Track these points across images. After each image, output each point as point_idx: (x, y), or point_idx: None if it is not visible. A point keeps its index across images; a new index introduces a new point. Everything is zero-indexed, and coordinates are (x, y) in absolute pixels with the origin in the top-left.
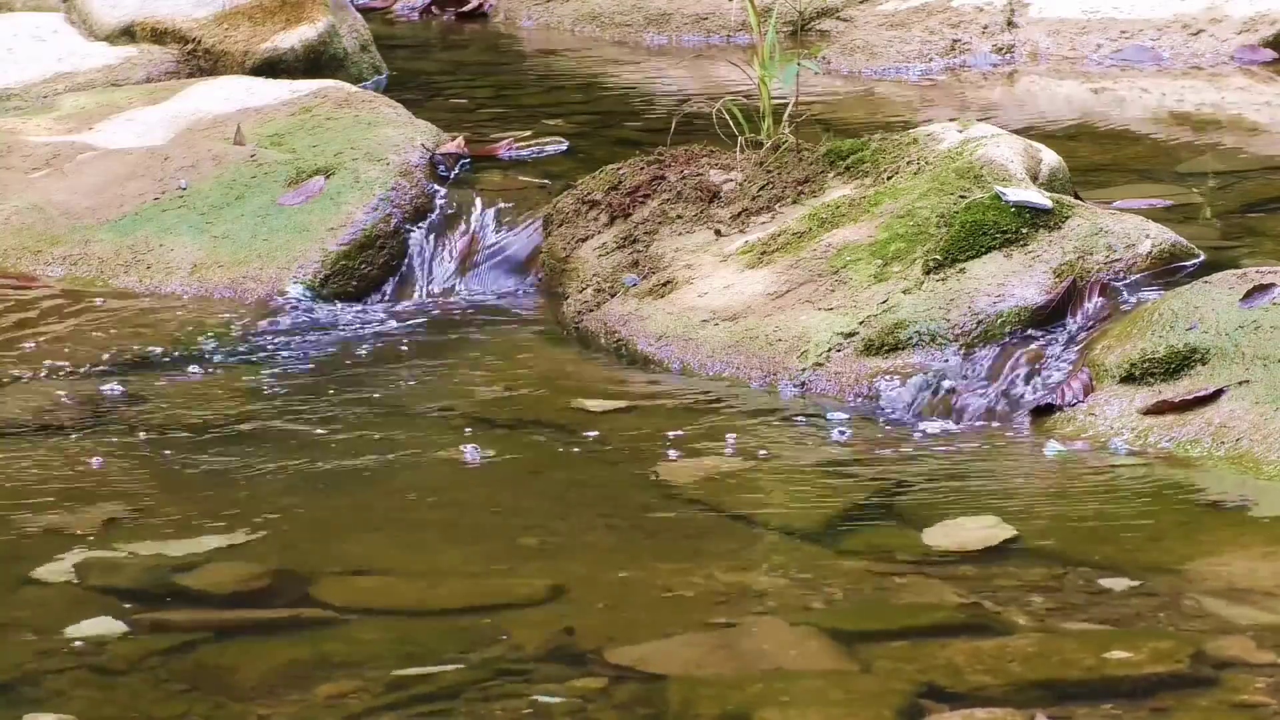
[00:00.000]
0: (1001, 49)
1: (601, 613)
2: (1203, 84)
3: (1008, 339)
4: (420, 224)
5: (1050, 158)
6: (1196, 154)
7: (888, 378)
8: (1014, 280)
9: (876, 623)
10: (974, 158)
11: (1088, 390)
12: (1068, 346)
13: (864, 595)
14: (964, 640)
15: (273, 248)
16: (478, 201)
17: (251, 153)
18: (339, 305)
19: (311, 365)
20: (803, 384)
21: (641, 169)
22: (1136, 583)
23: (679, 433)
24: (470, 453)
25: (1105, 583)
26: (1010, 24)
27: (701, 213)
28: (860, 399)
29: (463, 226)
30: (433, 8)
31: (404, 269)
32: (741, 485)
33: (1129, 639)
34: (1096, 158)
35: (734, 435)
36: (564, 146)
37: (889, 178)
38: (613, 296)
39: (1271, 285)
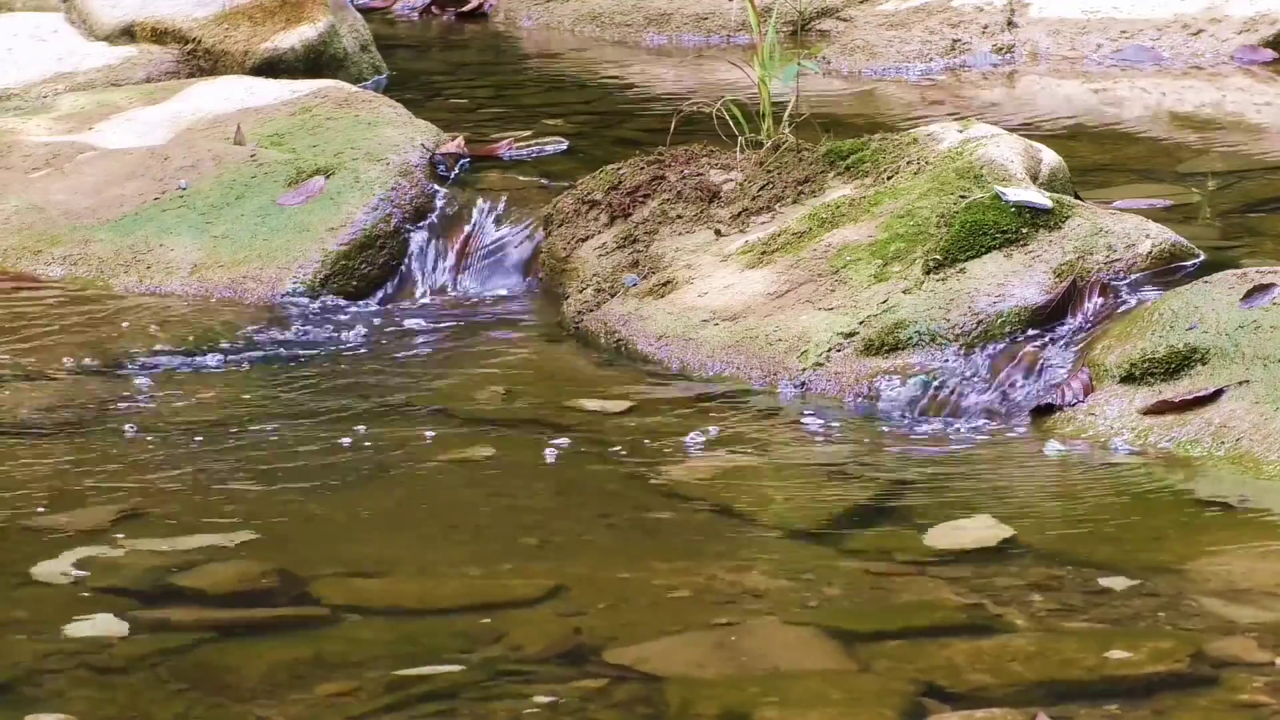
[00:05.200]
0: (1001, 49)
1: (601, 613)
2: (1203, 84)
3: (1008, 339)
4: (420, 224)
5: (1050, 158)
6: (1196, 154)
7: (888, 378)
8: (1014, 280)
9: (876, 623)
10: (974, 158)
11: (1088, 390)
12: (1068, 346)
13: (864, 595)
14: (964, 640)
15: (273, 248)
16: (478, 201)
17: (251, 152)
18: (339, 305)
19: (311, 365)
20: (803, 384)
21: (641, 169)
22: (1136, 582)
23: (679, 433)
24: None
25: (1105, 582)
26: (1010, 24)
27: (701, 213)
28: (860, 399)
29: (463, 226)
30: (433, 8)
31: (404, 269)
32: (741, 485)
33: (1129, 639)
34: (1096, 158)
35: (734, 435)
36: (564, 146)
37: (889, 178)
38: (613, 296)
39: (1271, 285)
